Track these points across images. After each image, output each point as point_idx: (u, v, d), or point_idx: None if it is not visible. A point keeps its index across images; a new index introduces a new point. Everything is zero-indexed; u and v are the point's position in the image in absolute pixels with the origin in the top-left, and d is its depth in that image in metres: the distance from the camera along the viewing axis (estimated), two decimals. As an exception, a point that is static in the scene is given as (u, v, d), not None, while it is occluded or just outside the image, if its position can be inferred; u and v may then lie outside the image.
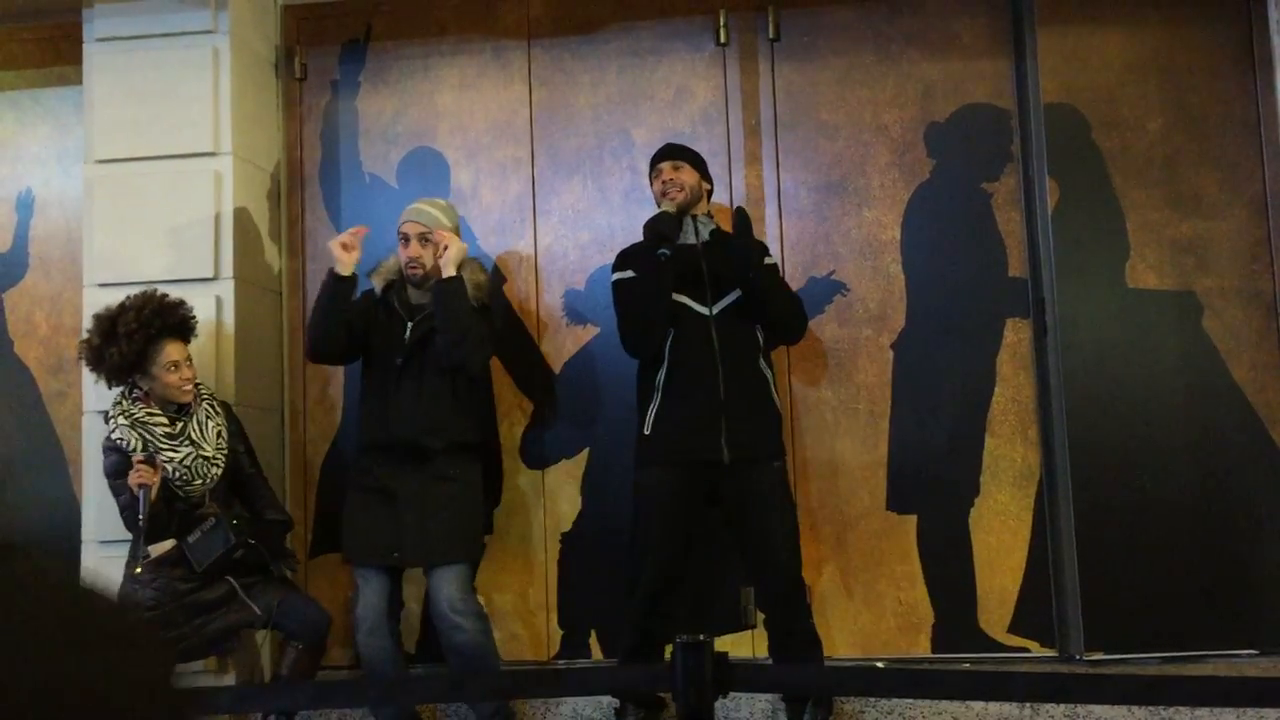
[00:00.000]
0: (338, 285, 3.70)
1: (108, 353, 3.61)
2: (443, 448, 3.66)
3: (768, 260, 3.78)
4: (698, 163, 3.80)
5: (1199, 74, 4.16)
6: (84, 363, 3.71)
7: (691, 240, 3.71)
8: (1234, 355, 4.06)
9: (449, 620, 3.60)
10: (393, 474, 3.67)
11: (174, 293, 3.83)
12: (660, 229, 3.60)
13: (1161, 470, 4.02)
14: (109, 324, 3.63)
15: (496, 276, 4.36)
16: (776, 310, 3.69)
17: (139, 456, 3.53)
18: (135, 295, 3.72)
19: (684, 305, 3.64)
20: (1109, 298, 4.09)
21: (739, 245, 3.64)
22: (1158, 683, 2.06)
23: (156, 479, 3.51)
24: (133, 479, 3.50)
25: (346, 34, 4.59)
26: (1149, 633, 3.95)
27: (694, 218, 3.74)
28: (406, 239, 3.74)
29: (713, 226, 3.77)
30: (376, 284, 3.85)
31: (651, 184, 3.82)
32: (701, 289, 3.64)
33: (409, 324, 3.73)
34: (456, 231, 3.81)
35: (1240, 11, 4.16)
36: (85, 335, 3.71)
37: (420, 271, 3.73)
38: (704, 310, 3.63)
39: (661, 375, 3.65)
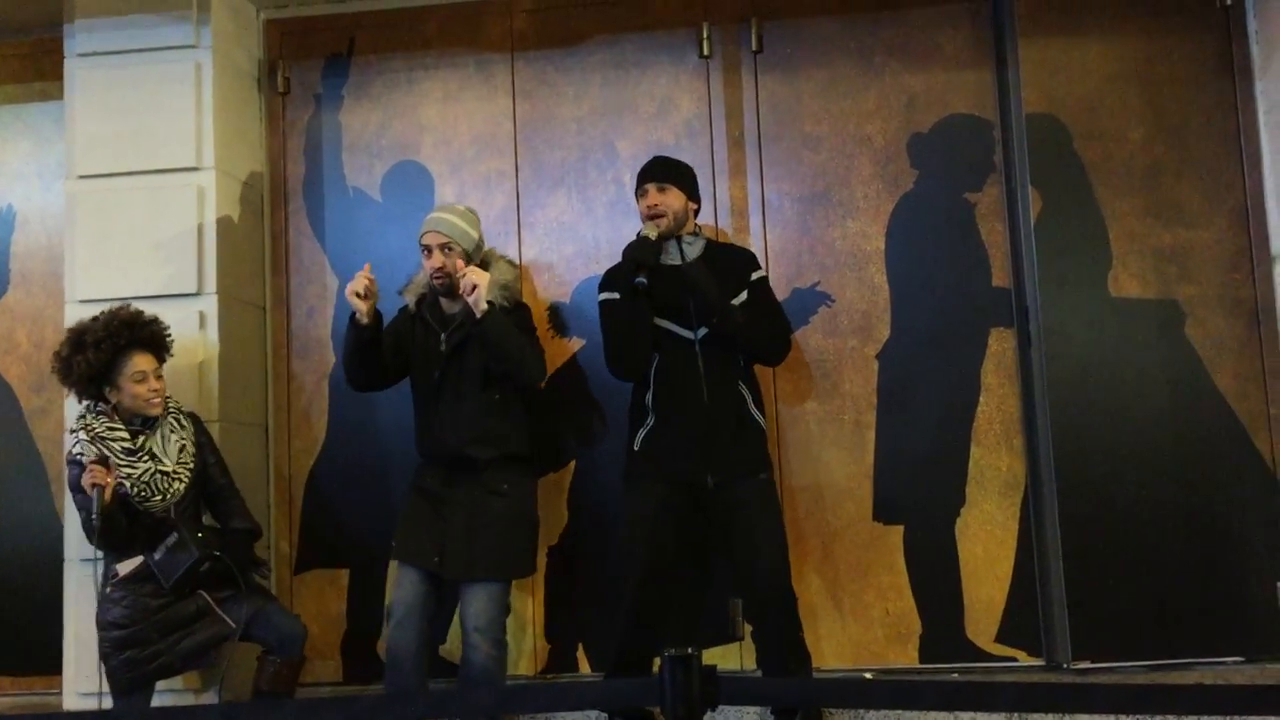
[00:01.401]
0: (360, 333, 3.67)
1: (75, 362, 3.61)
2: (491, 458, 3.65)
3: (756, 275, 3.75)
4: (686, 181, 3.75)
5: (1179, 84, 4.18)
6: (55, 375, 3.70)
7: (676, 261, 3.68)
8: (1216, 363, 4.07)
9: (469, 637, 3.61)
10: (445, 482, 3.69)
11: (157, 308, 3.82)
12: (637, 257, 3.56)
13: (1146, 478, 4.03)
14: (78, 335, 3.64)
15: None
16: (751, 344, 3.66)
17: (92, 458, 3.52)
18: (107, 309, 3.72)
19: (668, 330, 3.63)
20: (1092, 307, 4.11)
21: (695, 303, 3.59)
22: (1145, 691, 2.06)
23: (111, 480, 3.50)
24: (86, 479, 3.48)
25: (329, 48, 4.59)
26: (1136, 641, 3.96)
27: (679, 239, 3.70)
28: (429, 250, 3.70)
29: (701, 246, 3.72)
30: (409, 299, 3.84)
31: (638, 200, 3.77)
32: (686, 313, 3.62)
33: (443, 335, 3.72)
34: (479, 236, 3.79)
35: (1219, 22, 4.19)
36: (57, 348, 3.71)
37: (446, 282, 3.69)
38: (688, 335, 3.61)
39: (649, 398, 3.66)
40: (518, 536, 3.71)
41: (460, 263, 3.66)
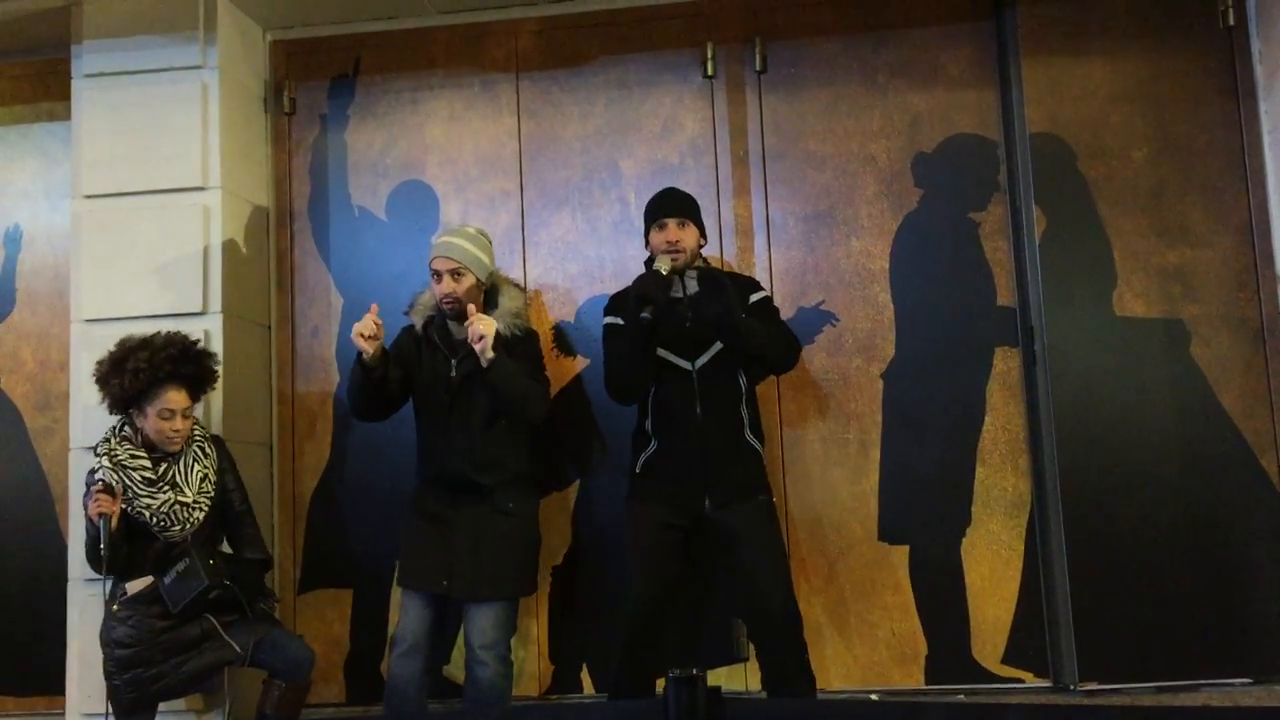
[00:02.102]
0: (367, 373, 3.63)
1: (111, 382, 3.62)
2: (496, 482, 3.65)
3: (756, 296, 3.75)
4: (698, 217, 3.75)
5: (1183, 103, 4.19)
6: (95, 382, 3.69)
7: (679, 294, 3.68)
8: (1222, 383, 4.06)
9: (475, 655, 3.60)
10: (450, 503, 3.66)
11: (162, 327, 3.82)
12: (647, 292, 3.53)
13: (1152, 498, 4.01)
14: (122, 356, 3.61)
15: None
16: (764, 352, 3.64)
17: (98, 485, 3.51)
18: (165, 335, 3.69)
19: (666, 360, 3.63)
20: (1097, 326, 4.10)
21: (716, 313, 3.56)
22: (1152, 713, 2.05)
23: (116, 508, 3.49)
24: (91, 508, 3.48)
25: (335, 68, 4.61)
26: (1143, 662, 3.94)
27: (682, 273, 3.70)
28: (439, 275, 3.68)
29: (699, 274, 3.72)
30: (416, 320, 3.81)
31: (650, 229, 3.73)
32: (685, 344, 3.62)
33: (454, 362, 3.69)
34: (491, 260, 3.78)
35: (1223, 41, 4.19)
36: (108, 353, 3.68)
37: (457, 307, 3.66)
38: (686, 365, 3.62)
39: (649, 424, 3.68)
40: (522, 555, 3.70)
41: (471, 307, 3.57)
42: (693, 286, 3.70)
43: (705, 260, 3.83)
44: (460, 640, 3.89)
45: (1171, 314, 4.10)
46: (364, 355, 3.60)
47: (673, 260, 3.64)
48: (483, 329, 3.50)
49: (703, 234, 3.77)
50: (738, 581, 3.60)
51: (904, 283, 4.25)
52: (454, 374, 3.69)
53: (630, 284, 3.76)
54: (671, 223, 3.68)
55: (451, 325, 3.75)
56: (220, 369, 3.83)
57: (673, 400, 3.62)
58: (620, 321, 3.68)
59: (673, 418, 3.61)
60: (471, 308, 3.56)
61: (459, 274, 3.66)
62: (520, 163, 4.47)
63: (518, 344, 3.69)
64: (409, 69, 4.57)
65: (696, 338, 3.62)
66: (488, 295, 3.76)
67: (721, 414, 3.61)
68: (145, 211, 4.21)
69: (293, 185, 4.58)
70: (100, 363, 3.68)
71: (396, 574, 3.72)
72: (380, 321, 3.61)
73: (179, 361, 3.63)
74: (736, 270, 4.27)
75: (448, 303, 3.68)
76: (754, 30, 4.40)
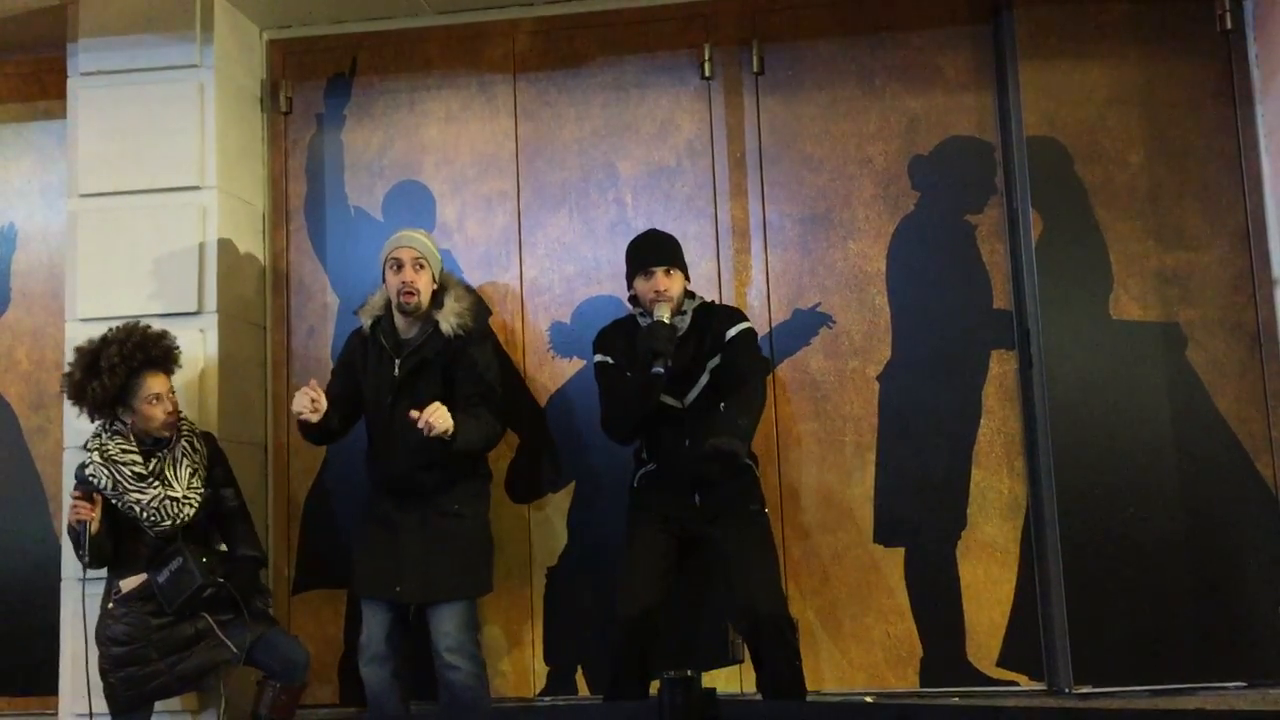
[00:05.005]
0: (307, 427, 3.65)
1: (89, 388, 3.58)
2: (440, 482, 3.64)
3: (735, 330, 3.64)
4: (682, 259, 3.71)
5: (1180, 107, 4.19)
6: (66, 397, 3.68)
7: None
8: (1218, 386, 4.06)
9: (443, 659, 3.59)
10: (397, 507, 3.66)
11: (158, 326, 3.80)
12: (655, 346, 3.49)
13: (1147, 501, 4.01)
14: (91, 358, 3.60)
15: (481, 309, 4.35)
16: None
17: (76, 492, 3.52)
18: (118, 328, 3.68)
19: (660, 400, 3.61)
20: (1093, 329, 4.10)
21: (727, 456, 3.42)
22: (1147, 716, 2.05)
23: (95, 514, 3.50)
24: (70, 516, 3.49)
25: (332, 68, 4.61)
26: (1138, 665, 3.94)
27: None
28: (399, 264, 3.68)
29: (688, 320, 3.67)
30: (365, 321, 3.81)
31: (641, 278, 3.66)
32: (676, 383, 3.60)
33: (397, 361, 3.69)
34: (440, 260, 3.81)
35: (1220, 46, 4.20)
36: (67, 369, 3.68)
37: (415, 299, 3.66)
38: (676, 404, 3.61)
39: (644, 451, 3.72)
40: (474, 556, 3.70)
41: (411, 413, 3.45)
42: (680, 328, 3.64)
43: (695, 295, 3.79)
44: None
45: (1168, 317, 4.10)
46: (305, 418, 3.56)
47: (669, 307, 3.59)
48: (434, 421, 3.41)
49: (687, 277, 3.74)
50: (731, 591, 3.59)
51: (900, 285, 4.24)
52: (397, 373, 3.68)
53: (615, 321, 3.79)
54: (659, 271, 3.63)
55: (399, 322, 3.73)
56: (179, 347, 3.77)
57: (664, 435, 3.63)
58: (611, 360, 3.68)
59: (664, 450, 3.64)
60: (412, 414, 3.44)
61: (421, 264, 3.68)
62: (517, 163, 4.47)
63: (461, 351, 3.67)
64: (406, 69, 4.56)
65: (685, 377, 3.61)
66: (435, 295, 3.75)
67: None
68: (141, 211, 4.20)
69: (289, 185, 4.58)
70: (68, 375, 3.64)
71: (351, 582, 3.72)
72: (318, 396, 3.54)
73: (145, 347, 3.61)
74: (732, 273, 4.28)
75: (407, 294, 3.66)
76: (751, 32, 4.40)
